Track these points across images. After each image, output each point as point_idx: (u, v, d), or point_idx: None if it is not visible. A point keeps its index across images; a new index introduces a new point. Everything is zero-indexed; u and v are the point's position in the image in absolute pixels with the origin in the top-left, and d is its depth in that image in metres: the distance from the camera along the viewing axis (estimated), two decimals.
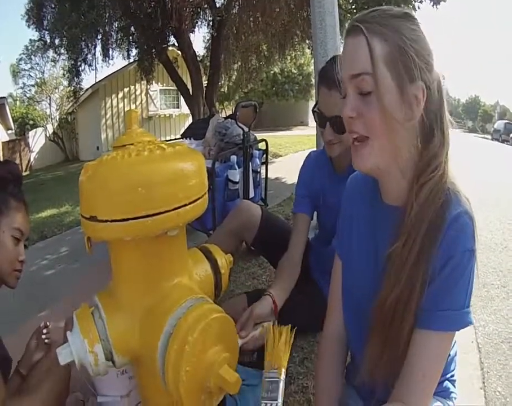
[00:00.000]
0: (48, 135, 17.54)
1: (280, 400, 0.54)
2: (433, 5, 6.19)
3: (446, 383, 0.97)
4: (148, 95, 15.04)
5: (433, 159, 0.76)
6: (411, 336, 0.76)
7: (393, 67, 0.72)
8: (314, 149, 2.51)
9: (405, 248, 0.74)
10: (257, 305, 1.41)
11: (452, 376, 0.99)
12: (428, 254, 0.73)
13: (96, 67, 9.02)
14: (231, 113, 3.76)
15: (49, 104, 19.32)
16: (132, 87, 14.72)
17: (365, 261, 0.90)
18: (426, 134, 0.77)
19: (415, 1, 6.06)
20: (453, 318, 0.73)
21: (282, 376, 0.57)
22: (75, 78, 8.74)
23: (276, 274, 1.65)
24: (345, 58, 0.77)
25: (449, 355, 0.89)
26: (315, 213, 1.79)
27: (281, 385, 0.56)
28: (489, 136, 27.89)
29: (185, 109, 12.56)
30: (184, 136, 3.71)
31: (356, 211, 0.96)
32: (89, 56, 8.65)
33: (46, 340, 1.30)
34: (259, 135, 3.45)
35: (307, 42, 9.37)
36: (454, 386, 0.99)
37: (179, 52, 9.30)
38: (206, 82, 9.38)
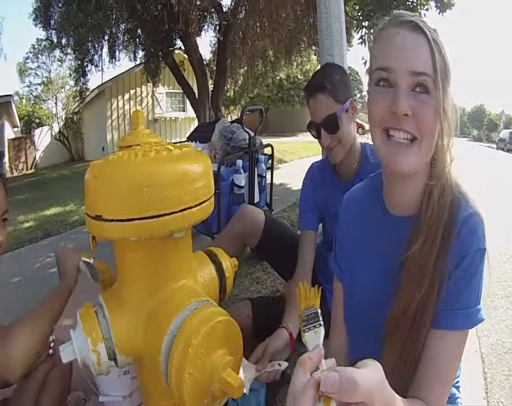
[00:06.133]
0: (53, 134, 17.58)
1: (322, 323, 0.56)
2: (439, 13, 6.16)
3: (452, 389, 0.95)
4: (154, 98, 15.10)
5: (442, 159, 0.77)
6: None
7: (444, 76, 0.73)
8: (320, 155, 2.49)
9: (424, 251, 0.74)
10: (272, 340, 1.39)
11: (457, 382, 0.98)
12: (444, 255, 0.73)
13: (102, 68, 9.07)
14: (237, 117, 3.77)
15: (55, 103, 19.41)
16: (138, 89, 14.79)
17: (378, 279, 0.88)
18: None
19: (421, 9, 6.03)
20: (469, 316, 0.73)
21: (319, 310, 0.59)
22: (81, 78, 8.75)
23: (287, 300, 1.61)
24: (403, 49, 0.73)
25: None
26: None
27: (319, 312, 0.59)
28: (494, 145, 27.78)
29: (191, 112, 12.58)
30: (190, 139, 3.72)
31: (359, 234, 0.94)
32: (95, 56, 8.67)
33: (50, 351, 1.20)
34: (264, 141, 3.45)
35: (313, 48, 9.39)
36: (459, 391, 0.98)
37: (186, 56, 9.35)
38: (212, 86, 9.42)
